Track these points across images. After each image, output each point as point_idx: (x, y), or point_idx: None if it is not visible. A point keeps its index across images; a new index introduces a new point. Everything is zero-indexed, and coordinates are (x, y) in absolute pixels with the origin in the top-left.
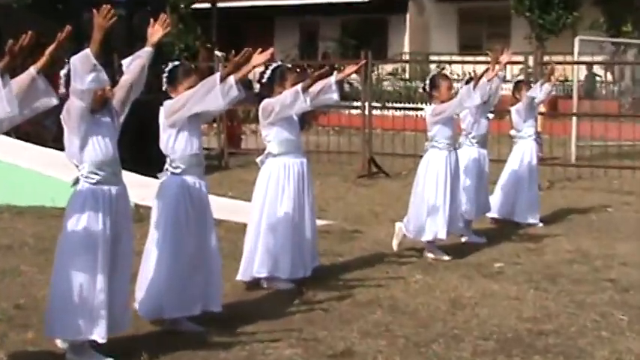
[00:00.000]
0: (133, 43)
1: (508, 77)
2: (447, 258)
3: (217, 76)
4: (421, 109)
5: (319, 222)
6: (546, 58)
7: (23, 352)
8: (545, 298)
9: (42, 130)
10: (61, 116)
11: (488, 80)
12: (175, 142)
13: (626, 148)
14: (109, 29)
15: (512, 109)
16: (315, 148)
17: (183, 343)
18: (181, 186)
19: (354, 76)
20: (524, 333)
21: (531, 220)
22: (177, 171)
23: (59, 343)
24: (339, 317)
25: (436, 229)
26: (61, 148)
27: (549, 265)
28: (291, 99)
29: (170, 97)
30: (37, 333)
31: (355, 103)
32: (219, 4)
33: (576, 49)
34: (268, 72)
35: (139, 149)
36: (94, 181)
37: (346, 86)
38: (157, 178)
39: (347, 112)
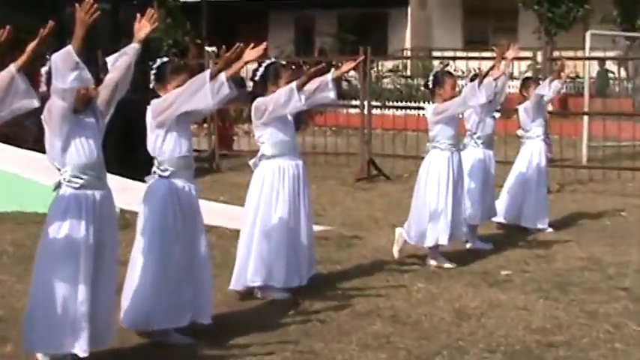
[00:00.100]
0: (119, 39)
1: (515, 74)
2: (450, 265)
3: (207, 73)
4: (423, 108)
5: (316, 228)
6: (556, 54)
7: None
8: (556, 308)
9: (21, 131)
10: (42, 116)
11: (495, 79)
12: (163, 144)
13: None
14: (92, 25)
15: (520, 107)
16: (311, 149)
17: (172, 356)
18: (170, 190)
19: (352, 73)
20: (533, 345)
21: (540, 225)
22: (166, 174)
23: (40, 358)
24: (337, 328)
25: (437, 234)
26: (42, 150)
27: (559, 272)
28: (285, 98)
29: (158, 96)
30: (15, 346)
31: (353, 102)
32: None
33: (588, 44)
34: (261, 69)
35: (125, 151)
36: (77, 185)
37: (344, 84)
38: (143, 181)
39: (345, 111)
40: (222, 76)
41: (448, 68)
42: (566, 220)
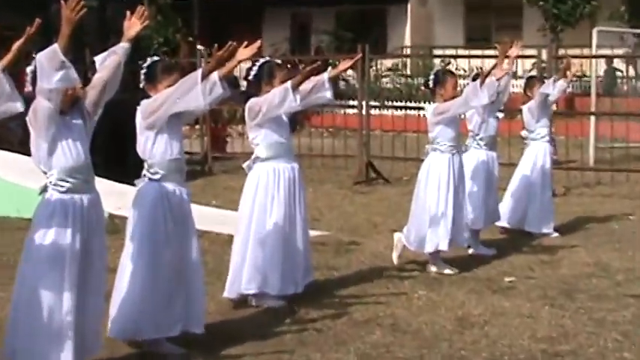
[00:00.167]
0: (107, 37)
1: (519, 73)
2: (452, 272)
3: (199, 72)
4: (423, 108)
5: (312, 233)
6: (561, 52)
7: None
8: (562, 316)
9: (6, 133)
10: (27, 118)
11: (498, 79)
12: (154, 146)
13: None
14: (78, 22)
15: (524, 107)
16: (307, 151)
17: None
18: (160, 194)
19: (349, 72)
20: (539, 354)
21: (545, 230)
22: (156, 177)
23: None
24: (335, 338)
25: (437, 239)
26: (27, 153)
27: (566, 279)
28: (279, 98)
29: (148, 96)
30: None
31: (351, 102)
32: None
33: (594, 42)
34: (255, 68)
35: (114, 153)
36: (63, 189)
37: (341, 83)
38: (133, 185)
39: (342, 111)
40: (215, 75)
41: (449, 67)
42: (572, 224)
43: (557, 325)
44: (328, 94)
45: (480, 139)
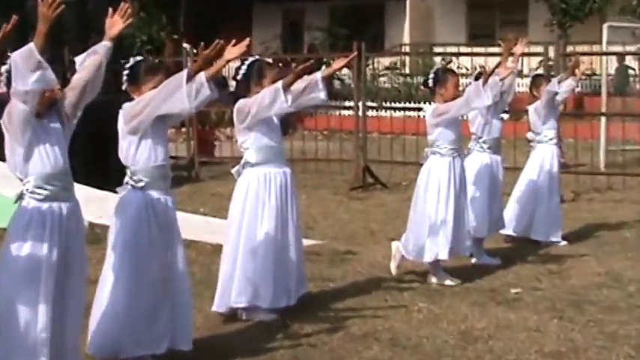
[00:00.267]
0: (87, 35)
1: (525, 71)
2: (453, 283)
3: (184, 74)
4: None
5: (306, 242)
6: (570, 49)
7: None
8: (571, 330)
9: None
10: (1, 121)
11: (502, 78)
12: (137, 152)
13: None
14: (56, 20)
15: (530, 108)
16: (300, 155)
17: None
18: (144, 202)
19: (345, 71)
20: None
21: (553, 238)
22: (140, 185)
23: None
24: (330, 353)
25: (437, 248)
26: (2, 159)
27: (575, 290)
28: (270, 99)
29: (131, 99)
30: None
31: (347, 103)
32: None
33: (605, 38)
34: (244, 67)
35: (95, 158)
36: (41, 197)
37: (336, 83)
38: (115, 192)
39: (337, 113)
40: (202, 76)
41: (451, 65)
42: (581, 231)
43: (566, 340)
44: (322, 95)
45: (484, 142)
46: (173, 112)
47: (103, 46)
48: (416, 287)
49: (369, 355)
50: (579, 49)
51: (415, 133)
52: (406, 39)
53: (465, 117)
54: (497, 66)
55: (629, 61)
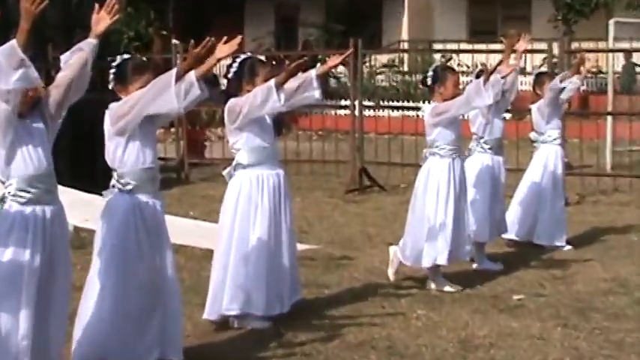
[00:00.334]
0: (72, 31)
1: (528, 69)
2: (453, 289)
3: (173, 72)
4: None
5: (300, 247)
6: (574, 46)
7: None
8: (576, 338)
9: None
10: None
11: (504, 76)
12: (124, 154)
13: None
14: (39, 15)
15: (533, 107)
16: (294, 156)
17: None
18: (132, 206)
19: (341, 68)
20: None
21: (557, 243)
22: (127, 188)
23: None
24: None
25: (435, 253)
26: None
27: (580, 296)
28: (262, 97)
29: (118, 98)
30: None
31: (343, 102)
32: None
33: (611, 34)
34: (236, 65)
35: (80, 159)
36: (23, 200)
37: (331, 81)
38: (101, 195)
39: (333, 112)
40: (192, 75)
41: (451, 63)
42: (586, 236)
43: (571, 348)
44: (317, 94)
45: (485, 143)
46: (162, 113)
47: (89, 43)
48: (414, 294)
49: None
50: (584, 45)
51: (414, 133)
52: (404, 35)
53: (465, 116)
54: (499, 63)
55: (637, 58)
